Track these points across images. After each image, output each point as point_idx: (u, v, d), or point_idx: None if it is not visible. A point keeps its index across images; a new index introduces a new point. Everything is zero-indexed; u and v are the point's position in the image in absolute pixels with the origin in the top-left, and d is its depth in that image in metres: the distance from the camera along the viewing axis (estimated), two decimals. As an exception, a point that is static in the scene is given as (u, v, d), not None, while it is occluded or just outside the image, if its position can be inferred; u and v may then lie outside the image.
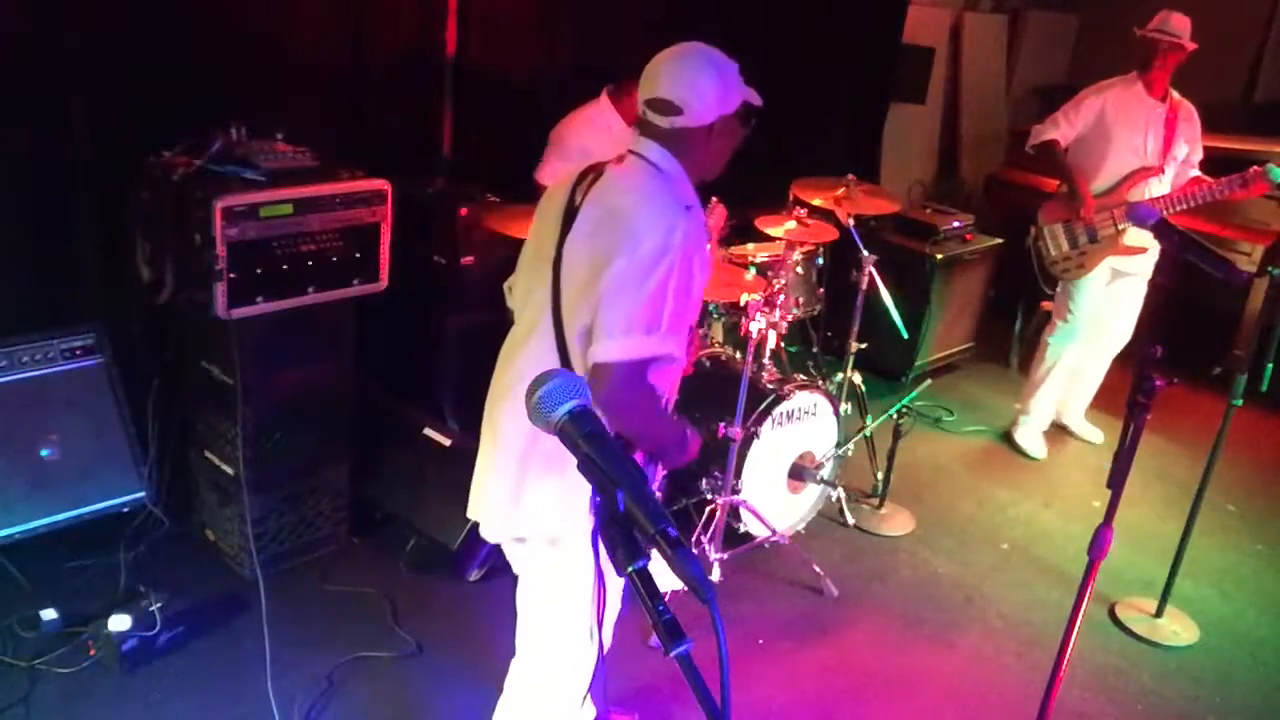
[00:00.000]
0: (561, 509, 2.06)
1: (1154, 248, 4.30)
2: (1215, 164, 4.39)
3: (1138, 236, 4.22)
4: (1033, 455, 4.74)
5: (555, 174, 4.07)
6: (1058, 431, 4.97)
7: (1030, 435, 4.79)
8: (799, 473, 3.80)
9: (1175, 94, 4.29)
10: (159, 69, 3.18)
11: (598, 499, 1.82)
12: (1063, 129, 4.35)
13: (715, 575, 3.50)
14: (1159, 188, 4.26)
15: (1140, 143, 4.26)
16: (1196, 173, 4.34)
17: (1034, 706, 2.61)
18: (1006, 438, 4.84)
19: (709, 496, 3.58)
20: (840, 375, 4.16)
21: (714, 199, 3.53)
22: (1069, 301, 4.53)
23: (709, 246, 2.33)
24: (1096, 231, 4.33)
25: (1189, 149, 4.33)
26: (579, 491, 1.86)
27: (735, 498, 3.53)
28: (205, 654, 2.98)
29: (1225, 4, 6.51)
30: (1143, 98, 4.26)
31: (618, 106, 4.06)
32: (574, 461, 1.86)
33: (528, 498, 2.08)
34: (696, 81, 1.99)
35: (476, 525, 2.22)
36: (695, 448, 2.17)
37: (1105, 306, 4.55)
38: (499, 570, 3.40)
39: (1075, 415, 4.95)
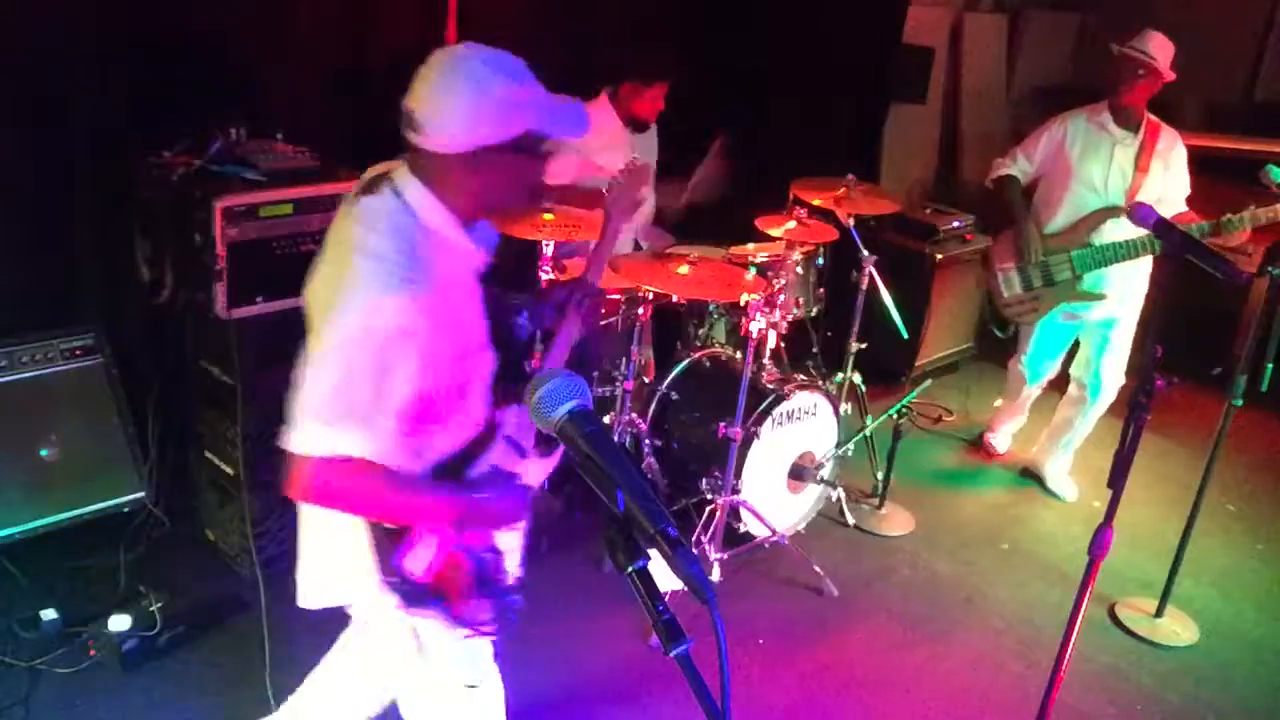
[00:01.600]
0: (346, 573, 1.88)
1: (1116, 294, 3.98)
2: (1215, 164, 4.34)
3: (1094, 282, 3.97)
4: (997, 450, 4.72)
5: (553, 168, 4.09)
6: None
7: (999, 436, 4.76)
8: (799, 473, 3.80)
9: (1153, 119, 3.89)
10: (159, 69, 3.18)
11: (387, 577, 1.77)
12: (1020, 164, 4.08)
13: (715, 575, 3.50)
14: (1124, 230, 3.79)
15: (1102, 178, 3.88)
16: (1183, 210, 3.87)
17: (1034, 706, 2.62)
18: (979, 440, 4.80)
19: (709, 496, 3.58)
20: (840, 375, 4.17)
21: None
22: (1027, 342, 4.31)
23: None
24: (1052, 274, 4.00)
25: (1168, 188, 3.86)
26: (359, 555, 1.79)
27: (735, 498, 3.53)
28: (205, 654, 2.98)
29: (1225, 4, 6.51)
30: (1108, 127, 3.88)
31: (615, 106, 4.08)
32: (349, 521, 1.80)
33: (316, 559, 1.94)
34: (444, 97, 1.61)
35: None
36: (507, 509, 1.89)
37: (1088, 350, 4.19)
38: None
39: (1053, 467, 4.48)
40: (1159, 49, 3.77)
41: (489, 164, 1.67)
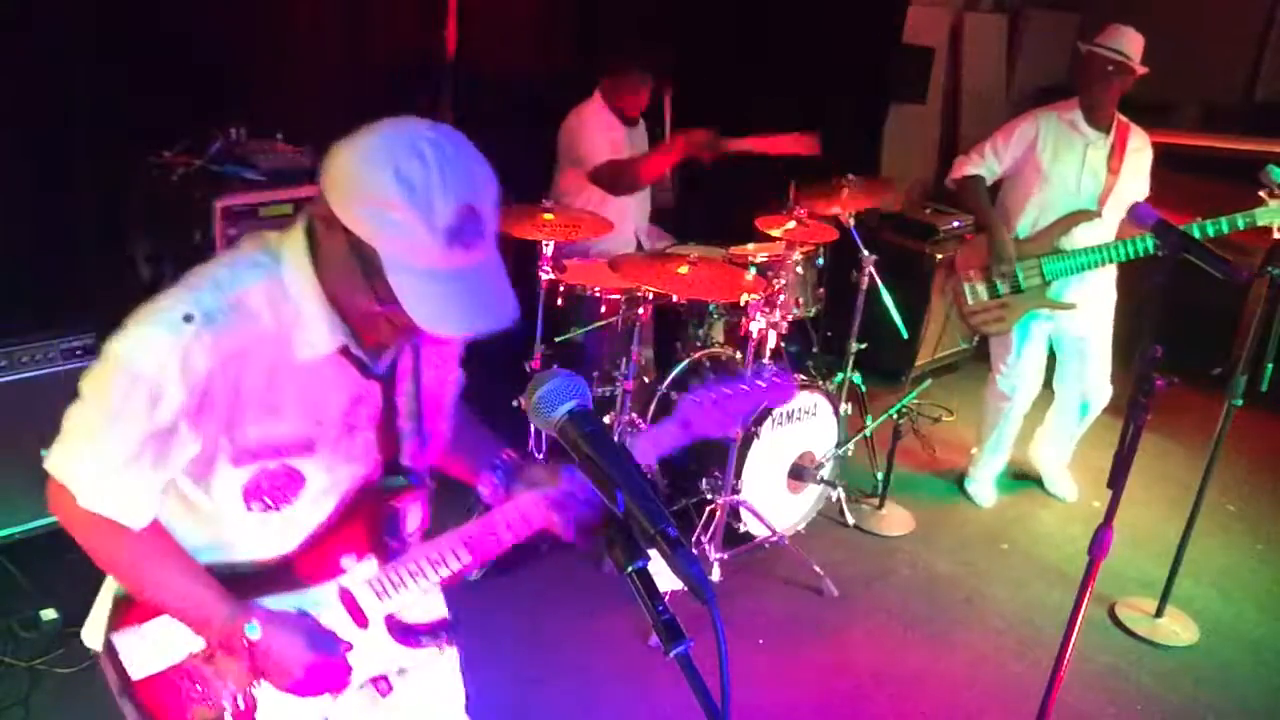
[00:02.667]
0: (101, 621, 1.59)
1: (1089, 304, 3.86)
2: (1216, 164, 4.31)
3: (1064, 290, 3.83)
4: (980, 504, 4.30)
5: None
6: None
7: (978, 484, 4.34)
8: (799, 473, 3.80)
9: (1123, 119, 3.76)
10: (159, 69, 3.18)
11: (104, 649, 1.58)
12: (988, 162, 3.85)
13: (715, 575, 3.50)
14: (1094, 234, 3.71)
15: (1074, 180, 3.73)
16: None
17: (1034, 706, 2.61)
18: (959, 483, 4.41)
19: (709, 496, 3.58)
20: (840, 375, 4.16)
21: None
22: (1005, 353, 4.05)
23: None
24: (1020, 282, 3.81)
25: (1138, 189, 3.74)
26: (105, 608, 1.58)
27: (735, 498, 3.53)
28: (205, 654, 2.98)
29: (1225, 4, 6.52)
30: (1080, 127, 3.73)
31: (609, 103, 4.08)
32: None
33: (105, 594, 1.62)
34: (347, 151, 1.31)
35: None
36: (294, 668, 1.48)
37: (1067, 364, 4.08)
38: (499, 570, 3.40)
39: (1049, 467, 4.43)
40: (1131, 45, 3.62)
41: (334, 242, 1.35)
